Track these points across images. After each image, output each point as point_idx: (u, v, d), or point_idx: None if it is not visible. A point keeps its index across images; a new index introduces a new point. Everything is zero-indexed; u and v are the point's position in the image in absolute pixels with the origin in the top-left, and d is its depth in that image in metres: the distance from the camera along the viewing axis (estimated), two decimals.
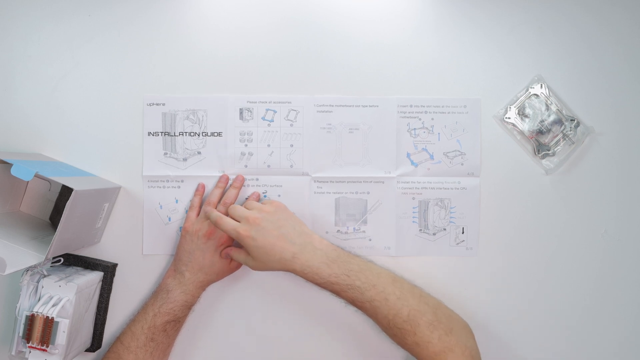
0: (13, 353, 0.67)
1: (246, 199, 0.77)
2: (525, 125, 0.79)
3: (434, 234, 0.79)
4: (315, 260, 0.69)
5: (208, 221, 0.74)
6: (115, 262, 0.77)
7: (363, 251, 0.78)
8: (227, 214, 0.74)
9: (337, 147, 0.79)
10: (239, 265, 0.76)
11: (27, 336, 0.65)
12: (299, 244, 0.70)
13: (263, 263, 0.70)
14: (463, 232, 0.79)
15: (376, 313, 0.68)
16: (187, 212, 0.77)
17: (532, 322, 0.78)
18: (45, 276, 0.68)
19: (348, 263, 0.70)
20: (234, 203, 0.75)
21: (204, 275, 0.73)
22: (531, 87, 0.79)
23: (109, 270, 0.75)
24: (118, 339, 0.73)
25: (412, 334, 0.66)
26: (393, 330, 0.68)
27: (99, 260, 0.76)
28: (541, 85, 0.79)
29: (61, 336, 0.65)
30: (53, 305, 0.66)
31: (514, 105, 0.79)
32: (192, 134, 0.78)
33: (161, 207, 0.78)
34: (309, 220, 0.79)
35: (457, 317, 0.70)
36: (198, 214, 0.76)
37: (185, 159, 0.78)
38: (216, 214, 0.72)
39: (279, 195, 0.79)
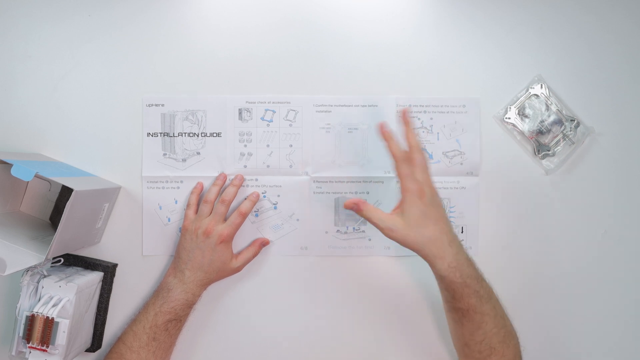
0: (13, 353, 0.67)
1: (245, 198, 0.77)
2: (525, 126, 0.79)
3: None
4: (462, 256, 0.64)
5: (207, 218, 0.73)
6: (115, 262, 0.77)
7: (363, 251, 0.78)
8: (226, 212, 0.74)
9: (337, 146, 0.79)
10: (240, 267, 0.76)
11: (27, 336, 0.65)
12: (453, 234, 0.65)
13: (411, 229, 0.63)
14: (462, 232, 0.79)
15: (479, 327, 0.64)
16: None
17: (531, 321, 0.78)
18: (45, 276, 0.68)
19: (471, 267, 0.65)
20: (232, 201, 0.75)
21: (203, 273, 0.73)
22: (531, 87, 0.79)
23: (109, 271, 0.75)
24: (120, 339, 0.72)
25: (501, 355, 0.65)
26: (482, 346, 0.65)
27: (99, 260, 0.76)
28: (541, 85, 0.78)
29: (61, 336, 0.65)
30: (53, 306, 0.66)
31: (514, 105, 0.79)
32: (191, 134, 0.78)
33: (160, 207, 0.78)
34: (309, 220, 0.79)
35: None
36: (196, 212, 0.76)
37: (184, 160, 0.78)
38: (417, 140, 0.67)
39: (279, 196, 0.79)
